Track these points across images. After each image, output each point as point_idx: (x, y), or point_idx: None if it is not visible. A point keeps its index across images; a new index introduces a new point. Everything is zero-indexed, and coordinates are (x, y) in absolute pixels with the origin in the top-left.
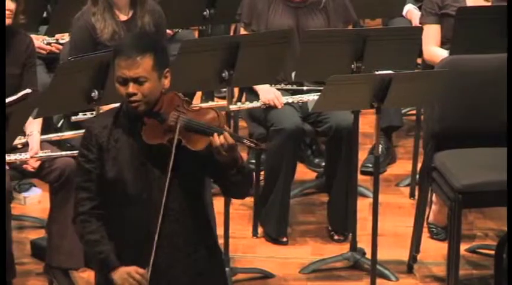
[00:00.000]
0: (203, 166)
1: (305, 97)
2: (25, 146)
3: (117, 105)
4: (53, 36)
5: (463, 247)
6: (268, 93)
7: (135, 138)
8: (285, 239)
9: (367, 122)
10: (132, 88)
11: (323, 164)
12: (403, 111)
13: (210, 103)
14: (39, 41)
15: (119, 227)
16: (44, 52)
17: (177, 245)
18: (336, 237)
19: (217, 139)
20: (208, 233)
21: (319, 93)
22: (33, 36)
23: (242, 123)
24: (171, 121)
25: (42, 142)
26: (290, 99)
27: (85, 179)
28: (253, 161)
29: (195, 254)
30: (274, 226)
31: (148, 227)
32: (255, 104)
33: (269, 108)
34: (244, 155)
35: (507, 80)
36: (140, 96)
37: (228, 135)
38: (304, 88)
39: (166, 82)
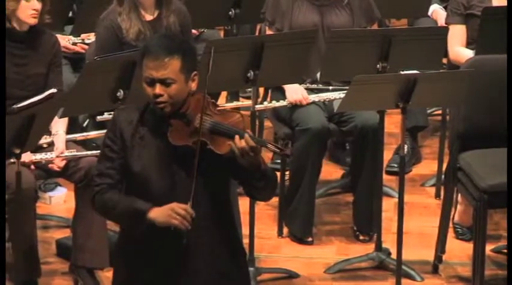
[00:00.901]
0: (227, 168)
1: (332, 96)
2: (50, 145)
3: None
4: (79, 36)
5: (489, 247)
6: (295, 93)
7: (161, 138)
8: (310, 239)
9: (393, 122)
10: (158, 89)
11: None
12: (429, 111)
13: (235, 103)
14: (65, 40)
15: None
16: (69, 51)
17: (201, 247)
18: (361, 237)
19: (239, 142)
20: (232, 235)
21: (343, 89)
22: (58, 35)
23: (267, 123)
24: (196, 124)
25: (67, 141)
26: (317, 98)
27: (107, 166)
28: (279, 161)
29: (219, 255)
30: (300, 226)
31: (171, 227)
32: (281, 103)
33: (295, 106)
34: (269, 155)
35: (507, 80)
36: (166, 97)
37: (249, 138)
38: (330, 87)
39: (194, 85)
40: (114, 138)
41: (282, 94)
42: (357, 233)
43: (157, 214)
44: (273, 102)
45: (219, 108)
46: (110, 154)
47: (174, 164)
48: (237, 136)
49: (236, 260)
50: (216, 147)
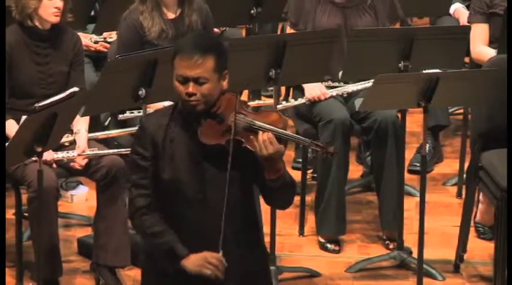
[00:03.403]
0: (257, 168)
1: (350, 88)
2: (72, 144)
3: (166, 103)
4: (101, 35)
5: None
6: (313, 89)
7: (191, 138)
8: (337, 248)
9: (414, 121)
10: (192, 88)
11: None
12: (451, 110)
13: (257, 102)
14: (87, 39)
15: (173, 227)
16: (91, 50)
17: (228, 245)
18: (391, 246)
19: (261, 135)
20: (256, 233)
21: (363, 83)
22: (80, 34)
23: (289, 122)
24: (230, 122)
25: (89, 140)
26: (334, 91)
27: (141, 177)
28: (300, 160)
29: (244, 254)
30: (333, 224)
31: (202, 226)
32: (300, 101)
33: (314, 103)
34: (291, 153)
35: (507, 80)
36: (199, 96)
37: (272, 133)
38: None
39: (225, 83)
40: (145, 144)
41: (302, 92)
42: (387, 242)
43: (190, 262)
44: (292, 100)
45: (254, 107)
46: (141, 163)
47: (205, 162)
48: (260, 131)
49: (260, 260)
50: (252, 145)
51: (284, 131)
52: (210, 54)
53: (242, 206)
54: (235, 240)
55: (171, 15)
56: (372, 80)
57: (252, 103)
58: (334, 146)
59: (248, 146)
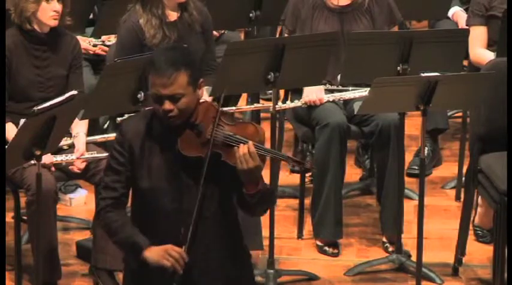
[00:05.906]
0: (235, 179)
1: (346, 95)
2: (71, 147)
3: None
4: (99, 38)
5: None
6: (310, 93)
7: (170, 147)
8: (336, 251)
9: (413, 124)
10: (168, 105)
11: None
12: (449, 114)
13: (255, 105)
14: (86, 42)
15: (151, 236)
16: (91, 52)
17: (211, 254)
18: (390, 249)
19: (241, 148)
20: (238, 240)
21: (359, 89)
22: (79, 37)
23: (287, 125)
24: (208, 135)
25: (88, 143)
26: (331, 97)
27: (113, 180)
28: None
29: (227, 261)
30: (331, 228)
31: (178, 236)
32: (296, 104)
33: (311, 106)
34: (290, 154)
35: (507, 80)
36: (176, 111)
37: (253, 146)
38: (350, 88)
39: (201, 92)
40: (122, 150)
41: (300, 96)
42: (386, 245)
43: (151, 253)
44: (288, 102)
45: (232, 118)
46: (116, 166)
47: (182, 172)
48: (241, 144)
49: (243, 266)
50: (230, 159)
51: (261, 146)
52: (182, 68)
53: (222, 215)
54: (218, 248)
55: (173, 17)
56: (369, 88)
57: (250, 107)
58: (310, 161)
59: (226, 160)
